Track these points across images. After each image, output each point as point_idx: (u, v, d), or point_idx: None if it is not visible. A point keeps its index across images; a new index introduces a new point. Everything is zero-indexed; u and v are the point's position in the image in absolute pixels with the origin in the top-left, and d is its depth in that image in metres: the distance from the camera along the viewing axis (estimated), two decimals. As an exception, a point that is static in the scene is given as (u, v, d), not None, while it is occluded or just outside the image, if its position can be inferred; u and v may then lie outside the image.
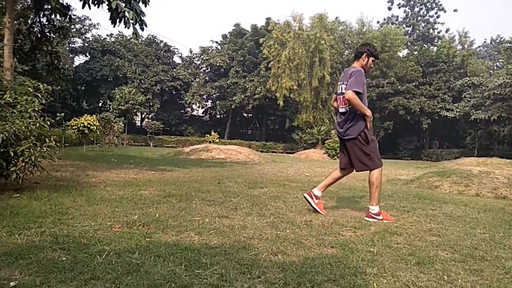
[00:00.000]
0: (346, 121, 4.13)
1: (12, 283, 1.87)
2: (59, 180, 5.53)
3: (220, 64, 39.52)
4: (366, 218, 3.95)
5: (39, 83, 4.91)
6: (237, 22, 44.97)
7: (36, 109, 4.52)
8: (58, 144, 4.94)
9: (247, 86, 38.75)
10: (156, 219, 3.35)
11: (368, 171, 4.11)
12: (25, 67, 7.96)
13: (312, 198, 4.21)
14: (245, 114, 46.62)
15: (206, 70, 43.23)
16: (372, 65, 4.30)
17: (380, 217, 3.94)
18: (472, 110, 30.99)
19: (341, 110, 4.19)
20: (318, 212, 4.14)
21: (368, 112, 4.00)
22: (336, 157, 24.42)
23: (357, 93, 3.95)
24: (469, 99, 31.91)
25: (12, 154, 4.09)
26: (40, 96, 4.74)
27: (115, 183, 5.57)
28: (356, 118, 4.07)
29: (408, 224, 3.87)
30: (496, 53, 53.40)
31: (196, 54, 43.49)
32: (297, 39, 34.01)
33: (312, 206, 4.20)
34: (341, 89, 4.14)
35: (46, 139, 4.53)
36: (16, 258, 2.20)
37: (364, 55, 4.19)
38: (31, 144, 4.19)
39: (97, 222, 3.14)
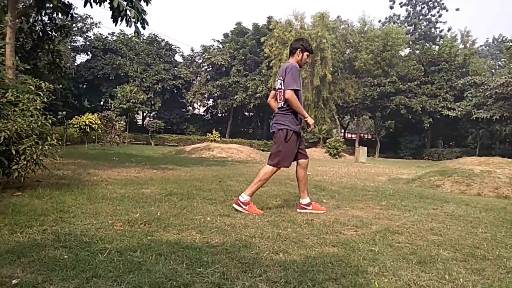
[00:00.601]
0: (281, 115, 4.16)
1: (14, 281, 1.88)
2: (60, 179, 5.54)
3: (222, 62, 39.48)
4: (234, 205, 4.00)
5: (41, 82, 4.92)
6: (238, 20, 45.05)
7: (38, 107, 4.53)
8: (60, 143, 4.95)
9: (249, 85, 38.72)
10: (157, 217, 3.36)
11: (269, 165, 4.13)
12: (27, 65, 7.96)
13: (305, 208, 4.20)
14: (246, 113, 46.61)
15: (208, 69, 43.19)
16: (307, 60, 4.33)
17: (247, 208, 3.94)
18: (474, 109, 30.94)
19: (279, 104, 4.20)
20: (319, 213, 4.15)
21: (306, 116, 4.07)
22: (337, 156, 24.42)
23: (295, 90, 3.99)
24: (471, 98, 31.85)
25: (14, 152, 4.10)
26: (42, 94, 4.74)
27: (116, 182, 5.58)
28: (291, 114, 4.10)
29: (410, 223, 3.86)
30: (498, 52, 53.25)
31: (197, 52, 43.47)
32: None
33: (313, 213, 4.16)
34: (278, 85, 4.16)
35: (48, 137, 4.53)
36: (18, 256, 2.21)
37: (298, 51, 4.20)
38: (33, 143, 4.20)
39: (98, 221, 3.15)
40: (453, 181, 8.21)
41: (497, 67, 48.46)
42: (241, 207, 3.94)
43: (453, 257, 2.76)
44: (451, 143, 39.04)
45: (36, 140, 4.26)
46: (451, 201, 5.69)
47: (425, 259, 2.63)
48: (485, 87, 30.64)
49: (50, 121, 4.67)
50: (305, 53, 4.22)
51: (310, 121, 4.12)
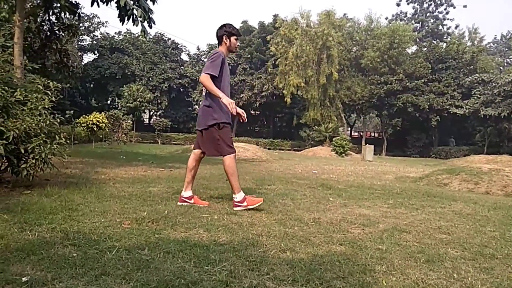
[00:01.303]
0: (205, 106, 4.07)
1: (24, 278, 1.90)
2: (69, 177, 5.58)
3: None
4: (234, 208, 3.91)
5: (49, 81, 4.95)
6: (244, 19, 44.89)
7: (46, 106, 4.56)
8: (68, 142, 4.99)
9: (255, 83, 38.69)
10: (165, 215, 3.37)
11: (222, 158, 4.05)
12: (35, 65, 8.03)
13: (186, 201, 4.07)
14: (252, 112, 46.52)
15: (214, 68, 43.13)
16: (237, 44, 4.20)
17: (245, 204, 3.89)
18: (482, 107, 30.66)
19: (203, 93, 4.14)
20: (201, 206, 4.00)
21: (221, 95, 3.87)
22: (344, 154, 24.35)
23: (213, 77, 3.88)
24: (478, 96, 31.56)
25: (23, 151, 4.14)
26: (50, 93, 4.78)
27: (124, 180, 5.62)
28: (214, 104, 4.01)
29: (417, 221, 3.85)
30: (506, 49, 52.68)
31: (203, 51, 43.51)
32: (304, 36, 33.85)
33: (195, 205, 4.02)
34: None
35: (56, 136, 4.57)
36: (27, 254, 2.23)
37: (224, 38, 4.10)
38: (42, 142, 4.24)
39: (106, 219, 3.17)
40: (461, 179, 8.16)
41: (505, 64, 47.96)
42: (241, 206, 3.91)
43: (461, 255, 2.74)
44: (457, 141, 38.69)
45: (44, 139, 4.30)
46: (459, 200, 5.65)
47: (433, 258, 2.62)
48: (493, 84, 30.36)
49: (58, 120, 4.71)
50: (232, 38, 4.11)
51: (226, 101, 3.88)
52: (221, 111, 4.02)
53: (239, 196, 3.96)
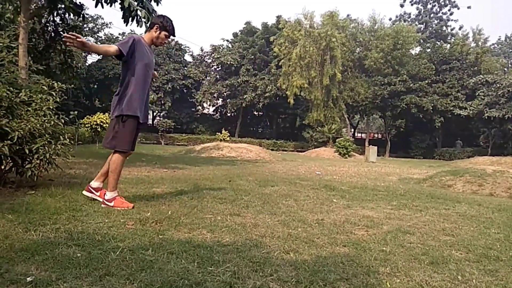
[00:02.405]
0: (118, 94, 3.84)
1: (28, 278, 1.90)
2: (73, 178, 5.60)
3: (231, 62, 39.52)
4: (102, 205, 3.70)
5: (53, 82, 4.97)
6: (248, 20, 44.87)
7: (51, 107, 4.57)
8: (72, 142, 4.99)
9: (258, 84, 38.71)
10: (168, 216, 3.38)
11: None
12: (40, 66, 8.07)
13: (92, 192, 3.93)
14: (255, 113, 46.59)
15: (217, 69, 43.29)
16: (165, 41, 3.97)
17: (112, 204, 3.67)
18: (486, 108, 30.57)
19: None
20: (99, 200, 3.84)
21: (86, 44, 3.47)
22: (347, 155, 24.31)
23: (121, 55, 3.63)
24: (483, 97, 31.47)
25: (27, 151, 4.15)
26: (54, 94, 4.79)
27: (127, 181, 5.63)
28: (127, 93, 3.77)
29: (421, 223, 3.83)
30: (510, 50, 52.53)
31: (207, 52, 43.59)
32: (308, 37, 33.85)
33: (96, 200, 3.88)
34: None
35: (61, 137, 4.58)
36: (32, 254, 2.24)
37: (155, 27, 3.88)
38: (46, 142, 4.25)
39: (110, 219, 3.18)
40: (465, 181, 8.13)
41: (509, 65, 47.81)
42: (107, 204, 3.68)
43: (465, 257, 2.73)
44: (462, 143, 38.55)
45: (49, 139, 4.31)
46: (463, 201, 5.63)
47: (437, 260, 2.61)
48: (498, 85, 30.27)
49: (63, 121, 4.72)
50: (163, 33, 3.89)
51: (87, 44, 3.49)
52: (130, 103, 3.76)
53: (110, 194, 3.75)
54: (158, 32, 3.88)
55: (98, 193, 3.93)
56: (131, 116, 3.77)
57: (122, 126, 3.76)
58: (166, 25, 3.89)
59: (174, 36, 4.08)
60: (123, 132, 3.77)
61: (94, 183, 3.97)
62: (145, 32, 3.97)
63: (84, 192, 3.96)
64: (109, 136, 3.85)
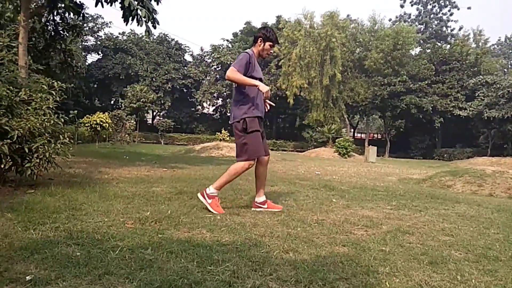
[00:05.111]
0: (234, 104, 4.00)
1: (28, 277, 1.90)
2: (72, 177, 5.60)
3: (231, 62, 39.52)
4: (198, 195, 3.88)
5: (53, 81, 4.97)
6: (248, 20, 44.92)
7: (51, 106, 4.57)
8: (72, 141, 4.99)
9: (258, 84, 38.69)
10: (168, 215, 3.38)
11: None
12: (40, 65, 8.06)
13: (260, 207, 4.07)
14: (255, 112, 46.57)
15: (217, 68, 43.30)
16: (271, 51, 4.08)
17: (209, 201, 3.78)
18: (486, 109, 30.60)
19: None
20: (275, 211, 4.00)
21: (257, 84, 3.78)
22: (347, 156, 24.32)
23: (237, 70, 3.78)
24: (482, 98, 31.50)
25: (27, 150, 4.15)
26: (54, 93, 4.79)
27: (127, 180, 5.63)
28: (242, 101, 3.91)
29: (421, 223, 3.83)
30: (510, 51, 52.56)
31: (207, 52, 43.65)
32: (308, 37, 33.89)
33: (268, 211, 4.00)
34: None
35: (60, 136, 4.58)
36: (31, 253, 2.24)
37: (259, 40, 4.00)
38: (46, 141, 4.25)
39: (110, 218, 3.18)
40: (464, 181, 8.13)
41: (509, 66, 47.86)
42: (206, 200, 3.81)
43: (465, 258, 2.73)
44: (462, 144, 38.59)
45: (48, 138, 4.31)
46: (463, 202, 5.63)
47: (437, 260, 2.61)
48: (497, 86, 30.30)
49: (62, 120, 4.72)
50: (267, 43, 4.00)
51: (263, 88, 3.78)
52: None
53: (213, 190, 3.86)
54: (262, 44, 4.00)
55: (265, 206, 4.07)
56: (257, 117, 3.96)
57: (249, 132, 3.90)
58: (269, 35, 4.00)
59: (278, 44, 4.25)
60: (252, 139, 3.93)
61: (259, 199, 4.10)
62: (251, 47, 4.07)
63: (253, 208, 4.06)
64: (238, 147, 4.04)
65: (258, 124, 3.96)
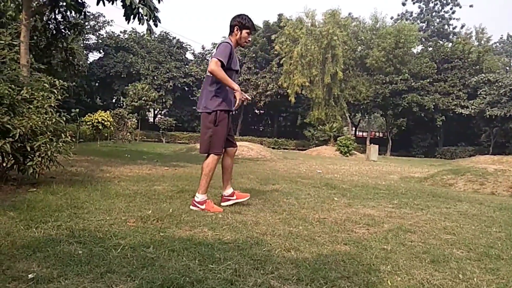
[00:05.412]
0: (207, 93, 3.83)
1: (30, 275, 1.91)
2: (74, 175, 5.61)
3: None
4: (191, 207, 3.76)
5: (55, 79, 4.98)
6: (249, 18, 44.90)
7: (52, 105, 4.58)
8: (73, 140, 5.00)
9: (259, 82, 38.70)
10: (169, 214, 3.38)
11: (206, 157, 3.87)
12: (41, 64, 8.07)
13: (229, 199, 4.01)
14: (256, 111, 46.59)
15: (219, 66, 43.22)
16: (248, 39, 3.91)
17: (203, 207, 3.72)
18: (488, 107, 30.52)
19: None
20: (243, 200, 4.03)
21: (236, 87, 3.68)
22: (348, 154, 24.30)
23: (222, 63, 3.62)
24: (484, 96, 31.41)
25: (29, 149, 4.16)
26: (56, 92, 4.80)
27: (129, 178, 5.63)
28: (216, 93, 3.77)
29: (422, 222, 3.83)
30: (513, 49, 52.33)
31: (208, 50, 43.64)
32: (309, 35, 33.81)
33: (237, 202, 4.01)
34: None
35: (62, 134, 4.59)
36: (33, 251, 2.24)
37: (235, 29, 3.84)
38: (48, 140, 4.26)
39: (112, 217, 3.18)
40: (466, 180, 8.12)
41: (511, 64, 47.65)
42: (198, 207, 3.74)
43: (467, 256, 2.73)
44: (463, 142, 38.52)
45: (50, 137, 4.32)
46: (464, 200, 5.63)
47: (439, 258, 2.61)
48: (499, 84, 30.23)
49: (64, 119, 4.73)
50: (244, 31, 3.84)
51: (239, 95, 3.69)
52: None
53: (201, 196, 3.79)
54: (239, 32, 3.85)
55: (234, 197, 4.03)
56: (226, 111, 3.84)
57: (217, 126, 3.79)
58: (245, 22, 3.84)
59: (255, 30, 4.01)
60: (218, 133, 3.82)
61: (227, 192, 4.04)
62: (228, 37, 3.92)
63: (222, 203, 3.98)
64: (203, 139, 3.92)
65: (227, 118, 3.87)
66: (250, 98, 4.01)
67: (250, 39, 3.97)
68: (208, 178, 3.84)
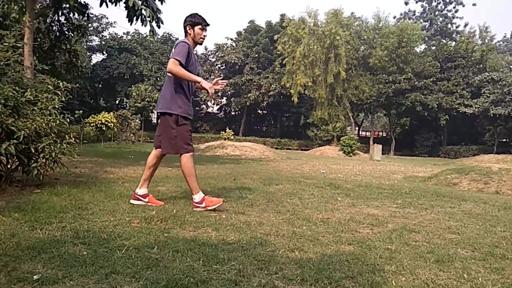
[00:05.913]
0: (167, 93, 3.81)
1: (35, 276, 1.92)
2: (78, 176, 5.63)
3: (235, 61, 39.56)
4: (194, 209, 3.71)
5: (58, 81, 4.99)
6: (251, 19, 45.00)
7: (56, 106, 4.60)
8: (77, 141, 5.01)
9: (262, 83, 38.72)
10: (173, 214, 3.39)
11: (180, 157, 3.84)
12: (45, 66, 8.10)
13: (140, 199, 3.87)
14: (259, 111, 46.64)
15: (221, 67, 43.34)
16: (204, 34, 3.87)
17: (203, 205, 3.70)
18: (492, 106, 30.40)
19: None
20: (155, 206, 3.79)
21: (199, 79, 3.71)
22: (351, 154, 24.27)
23: (180, 62, 3.62)
24: (488, 95, 31.29)
25: (33, 150, 4.18)
26: (59, 93, 4.82)
27: (132, 179, 5.65)
28: (178, 94, 3.77)
29: (427, 221, 3.82)
30: (516, 47, 52.04)
31: (211, 51, 43.67)
32: (312, 35, 33.78)
33: (148, 205, 3.82)
34: None
35: (66, 136, 4.60)
36: (38, 252, 2.25)
37: (188, 28, 3.84)
38: (52, 141, 4.27)
39: (116, 218, 3.19)
40: (470, 179, 8.09)
41: (515, 63, 47.40)
42: (199, 207, 3.73)
43: (471, 256, 2.72)
44: (467, 141, 38.39)
45: (54, 138, 4.34)
46: (469, 199, 5.60)
47: (443, 258, 2.60)
48: (503, 83, 30.10)
49: (68, 120, 4.75)
50: (196, 27, 3.82)
51: (206, 84, 3.71)
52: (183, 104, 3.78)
53: (197, 197, 3.77)
54: (192, 30, 3.84)
55: (146, 199, 3.90)
56: (184, 117, 3.83)
57: (179, 126, 3.79)
58: (194, 20, 3.84)
59: (207, 24, 3.95)
60: (182, 132, 3.81)
61: (140, 191, 3.91)
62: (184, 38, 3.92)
63: (132, 201, 3.88)
64: (168, 140, 3.89)
65: (189, 124, 3.88)
66: (218, 88, 3.95)
67: (205, 34, 3.93)
68: (193, 177, 3.82)
